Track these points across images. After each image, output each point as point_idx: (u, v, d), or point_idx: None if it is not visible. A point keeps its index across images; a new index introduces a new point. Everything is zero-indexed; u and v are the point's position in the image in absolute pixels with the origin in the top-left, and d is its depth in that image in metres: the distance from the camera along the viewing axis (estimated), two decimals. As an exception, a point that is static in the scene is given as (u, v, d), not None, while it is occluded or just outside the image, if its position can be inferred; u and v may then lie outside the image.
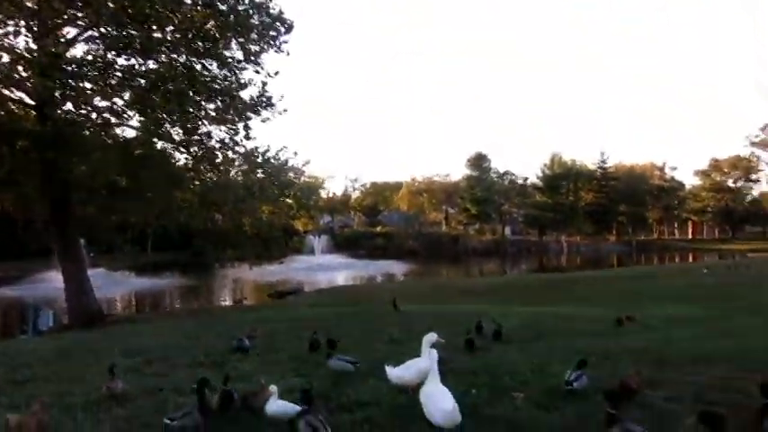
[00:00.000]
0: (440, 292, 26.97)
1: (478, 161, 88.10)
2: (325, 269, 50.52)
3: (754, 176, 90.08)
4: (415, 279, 44.46)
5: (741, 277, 26.41)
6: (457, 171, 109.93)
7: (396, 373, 6.95)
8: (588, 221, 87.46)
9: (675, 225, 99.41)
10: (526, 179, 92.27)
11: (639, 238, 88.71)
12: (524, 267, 60.60)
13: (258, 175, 20.85)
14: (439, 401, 5.78)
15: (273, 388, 5.78)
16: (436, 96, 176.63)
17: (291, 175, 22.93)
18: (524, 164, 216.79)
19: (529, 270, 55.44)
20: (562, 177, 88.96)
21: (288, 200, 24.75)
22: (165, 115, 17.82)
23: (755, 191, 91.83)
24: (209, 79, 18.35)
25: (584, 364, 7.29)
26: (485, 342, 10.18)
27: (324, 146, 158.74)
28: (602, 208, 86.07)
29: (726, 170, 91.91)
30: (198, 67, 18.16)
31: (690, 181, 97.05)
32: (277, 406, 5.66)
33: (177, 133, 19.09)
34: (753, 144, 78.53)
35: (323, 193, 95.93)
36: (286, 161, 21.45)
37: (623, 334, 10.82)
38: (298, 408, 5.43)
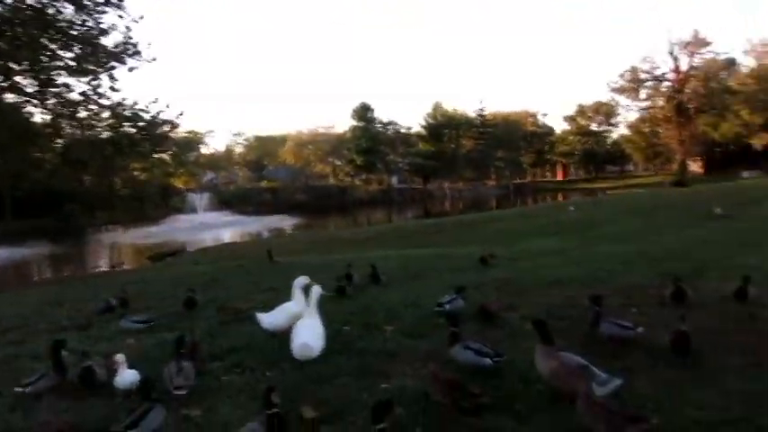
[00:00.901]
0: (327, 243, 27.11)
1: (363, 112, 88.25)
2: (209, 228, 48.88)
3: (613, 120, 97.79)
4: (304, 232, 44.39)
5: (600, 212, 28.86)
6: (342, 123, 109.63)
7: (267, 319, 7.01)
8: (469, 167, 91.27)
9: (547, 168, 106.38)
10: (410, 128, 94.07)
11: (516, 181, 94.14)
12: (410, 214, 62.27)
13: (127, 130, 19.48)
14: (296, 336, 5.95)
15: (120, 357, 5.32)
16: (319, 48, 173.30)
17: (165, 128, 21.64)
18: (408, 114, 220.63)
19: (415, 216, 57.02)
20: (444, 126, 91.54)
21: (163, 156, 23.40)
22: (14, 65, 16.04)
23: (615, 134, 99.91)
24: (64, 24, 16.65)
25: (463, 290, 7.77)
26: (363, 285, 10.47)
27: (204, 99, 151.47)
28: (482, 154, 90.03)
29: (590, 115, 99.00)
30: (51, 10, 16.39)
31: (559, 126, 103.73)
32: (124, 377, 5.23)
33: (31, 85, 17.31)
34: (613, 90, 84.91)
35: (204, 149, 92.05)
36: (158, 114, 20.15)
37: (493, 267, 11.53)
38: (140, 376, 5.14)
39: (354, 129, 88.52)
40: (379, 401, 3.79)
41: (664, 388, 4.63)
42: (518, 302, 8.14)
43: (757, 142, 74.21)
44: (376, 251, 19.23)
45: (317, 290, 6.61)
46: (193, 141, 76.86)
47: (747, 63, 79.86)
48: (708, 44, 77.26)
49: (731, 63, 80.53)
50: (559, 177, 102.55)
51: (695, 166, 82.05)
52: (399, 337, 6.88)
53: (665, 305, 7.20)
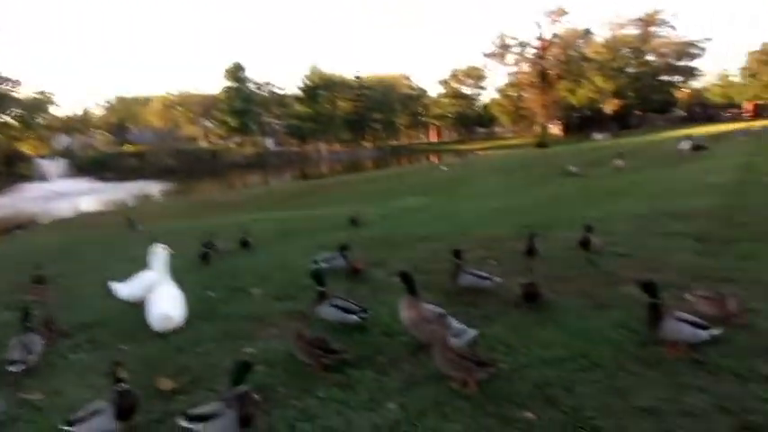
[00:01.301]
0: (198, 208, 26.07)
1: (236, 72, 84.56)
2: (64, 197, 45.01)
3: (483, 84, 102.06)
4: (174, 198, 42.23)
5: (469, 171, 30.23)
6: (213, 84, 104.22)
7: (124, 289, 6.61)
8: (346, 129, 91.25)
9: (422, 130, 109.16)
10: (284, 89, 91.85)
11: (392, 143, 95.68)
12: (287, 177, 61.39)
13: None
14: (153, 306, 5.65)
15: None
16: (187, 6, 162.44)
17: (3, 86, 19.27)
18: (284, 77, 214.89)
19: (292, 179, 56.29)
20: (321, 88, 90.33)
21: (5, 118, 20.96)
22: None
23: (485, 97, 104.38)
24: None
25: (346, 248, 7.72)
26: (232, 250, 10.16)
27: (58, 58, 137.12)
28: (358, 116, 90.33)
29: (461, 79, 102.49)
30: None
31: (434, 90, 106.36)
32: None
33: None
34: (486, 56, 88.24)
35: (58, 111, 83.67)
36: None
37: (364, 226, 11.65)
38: None
39: (227, 89, 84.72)
40: (237, 362, 3.68)
41: (515, 332, 4.93)
42: (386, 259, 8.30)
43: (608, 107, 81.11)
44: (249, 215, 18.74)
45: (163, 254, 6.33)
46: (43, 102, 69.39)
47: (602, 34, 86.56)
48: (566, 14, 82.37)
49: (587, 33, 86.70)
50: (433, 139, 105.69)
51: (555, 129, 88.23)
52: (268, 300, 6.75)
53: (521, 257, 7.66)
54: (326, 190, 28.83)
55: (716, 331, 4.27)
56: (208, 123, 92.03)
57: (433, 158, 69.29)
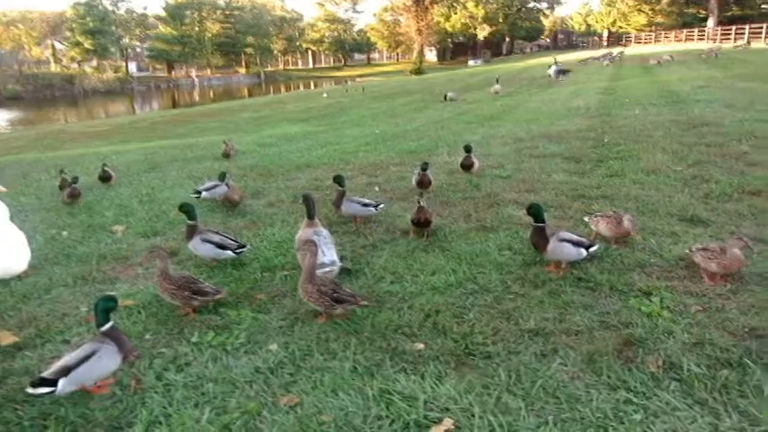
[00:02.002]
0: (53, 139, 23.37)
1: (85, -14, 75.27)
2: None
3: (359, 8, 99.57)
4: (23, 128, 37.71)
5: (349, 98, 29.59)
6: (60, 1, 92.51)
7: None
8: (218, 54, 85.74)
9: (298, 55, 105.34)
10: (145, 8, 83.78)
11: (267, 69, 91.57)
12: (156, 105, 57.03)
13: None
14: None
15: None
16: None
17: None
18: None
19: (161, 108, 52.35)
20: (186, 7, 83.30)
21: None
22: None
23: (361, 22, 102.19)
24: None
25: (224, 176, 7.08)
26: (93, 185, 9.08)
27: None
28: (231, 40, 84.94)
29: (337, 2, 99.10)
30: None
31: (309, 13, 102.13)
32: None
33: None
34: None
35: None
36: None
37: (241, 155, 10.91)
38: None
39: (75, 6, 75.43)
40: (100, 298, 3.24)
41: (402, 259, 4.76)
42: (264, 188, 7.80)
43: (481, 34, 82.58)
44: (112, 146, 17.07)
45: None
46: None
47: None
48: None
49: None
50: (310, 65, 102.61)
51: (432, 56, 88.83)
52: (132, 238, 6.07)
53: (405, 183, 7.50)
54: (198, 118, 27.01)
55: (595, 247, 4.34)
56: (58, 44, 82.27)
57: (312, 85, 67.44)
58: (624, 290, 3.91)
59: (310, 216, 4.70)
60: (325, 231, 4.63)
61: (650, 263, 4.34)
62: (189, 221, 5.01)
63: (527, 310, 3.72)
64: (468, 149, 7.53)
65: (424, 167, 6.79)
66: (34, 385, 2.96)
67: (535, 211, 4.32)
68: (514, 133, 11.14)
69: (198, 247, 4.90)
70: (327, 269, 4.19)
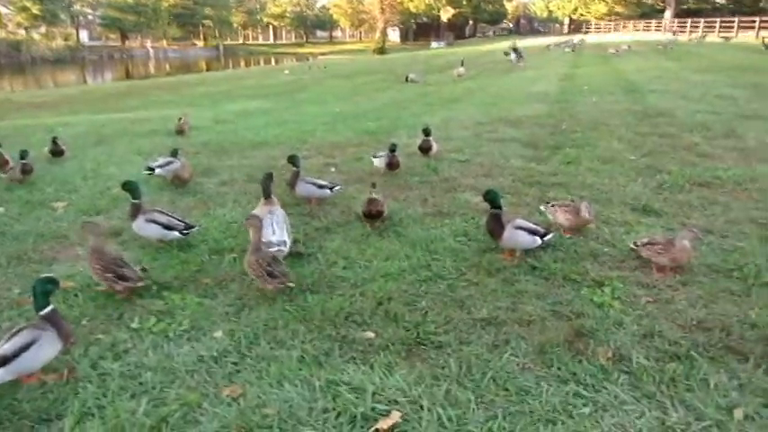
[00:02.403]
0: (1, 108, 22.25)
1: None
2: None
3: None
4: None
5: (310, 76, 29.09)
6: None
7: None
8: (174, 25, 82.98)
9: (259, 30, 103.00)
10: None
11: (226, 42, 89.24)
12: (109, 77, 54.94)
13: None
14: None
15: None
16: None
17: None
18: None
19: (115, 79, 50.45)
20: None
21: None
22: None
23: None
24: None
25: (176, 152, 6.88)
26: (38, 159, 8.62)
27: None
28: (188, 11, 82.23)
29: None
30: None
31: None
32: None
33: None
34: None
35: None
36: None
37: (192, 132, 10.54)
38: None
39: (21, -34, 71.57)
40: (38, 280, 3.05)
41: (356, 244, 4.65)
42: (217, 166, 7.55)
43: (444, 15, 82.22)
44: (58, 117, 16.32)
45: None
46: None
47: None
48: None
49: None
50: (271, 41, 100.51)
51: (395, 36, 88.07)
52: (73, 215, 5.77)
53: (361, 164, 7.37)
54: (151, 91, 26.11)
55: (550, 235, 4.33)
56: (3, 9, 78.13)
57: (273, 61, 66.14)
58: (577, 279, 3.90)
59: (267, 195, 4.65)
60: (280, 211, 4.56)
61: (603, 252, 4.35)
62: (133, 200, 4.78)
63: (480, 299, 3.67)
64: (426, 132, 7.42)
65: (393, 149, 6.62)
66: None
67: (491, 197, 4.26)
68: (474, 117, 11.10)
69: (142, 227, 4.68)
70: (275, 249, 4.11)
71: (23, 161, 6.93)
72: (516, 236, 4.16)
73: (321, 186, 5.61)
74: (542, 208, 5.00)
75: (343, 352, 3.15)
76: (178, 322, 3.51)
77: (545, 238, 4.25)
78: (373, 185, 4.98)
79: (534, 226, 4.28)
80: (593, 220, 4.58)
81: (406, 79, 21.42)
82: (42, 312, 2.99)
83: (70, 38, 75.78)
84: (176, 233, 4.63)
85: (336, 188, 5.68)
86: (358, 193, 6.01)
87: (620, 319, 3.37)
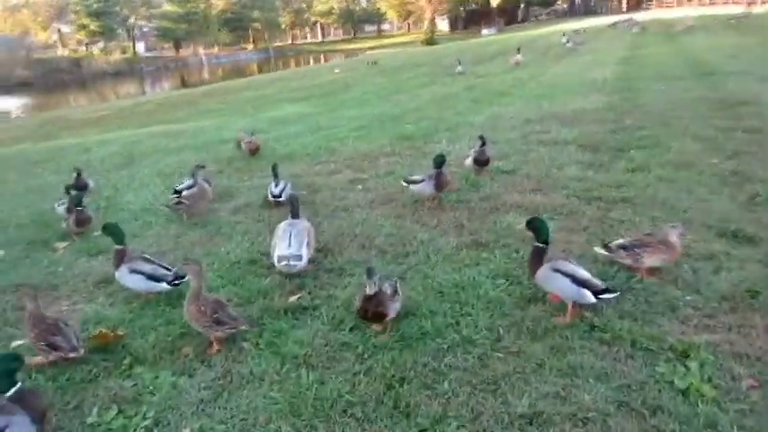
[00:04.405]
0: (51, 126, 22.70)
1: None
2: None
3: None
4: (32, 114, 37.16)
5: (356, 73, 28.39)
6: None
7: None
8: (225, 31, 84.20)
9: (307, 29, 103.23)
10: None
11: (276, 44, 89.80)
12: (166, 86, 56.22)
13: None
14: None
15: None
16: None
17: None
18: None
19: (171, 88, 51.53)
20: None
21: None
22: None
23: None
24: None
25: (201, 167, 6.22)
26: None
27: None
28: (237, 15, 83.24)
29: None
30: None
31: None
32: None
33: None
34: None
35: None
36: None
37: (221, 148, 9.99)
38: None
39: (78, -13, 74.16)
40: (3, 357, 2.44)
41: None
42: (235, 188, 6.92)
43: (494, 1, 79.89)
44: (103, 134, 16.29)
45: None
46: None
47: None
48: None
49: None
50: (319, 39, 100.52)
51: (443, 25, 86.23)
52: (72, 257, 5.26)
53: (400, 188, 6.56)
54: (201, 99, 26.10)
55: (612, 295, 3.26)
56: (64, 28, 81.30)
57: (322, 59, 65.99)
58: (651, 347, 2.96)
59: (295, 216, 4.44)
60: (304, 224, 4.37)
61: (685, 302, 3.38)
62: (116, 245, 4.16)
63: (520, 379, 2.80)
64: (483, 141, 6.21)
65: (440, 162, 5.29)
66: None
67: (536, 227, 3.43)
68: (524, 113, 10.06)
69: (125, 277, 4.05)
70: (284, 263, 4.06)
71: (79, 207, 5.69)
72: (552, 280, 3.27)
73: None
74: (603, 252, 3.86)
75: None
76: (142, 415, 2.84)
77: (602, 297, 3.22)
78: (369, 273, 3.21)
79: (585, 275, 3.27)
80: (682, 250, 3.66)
81: (453, 71, 20.36)
82: (8, 394, 2.59)
83: (127, 51, 78.15)
84: (164, 284, 3.97)
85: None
86: (384, 220, 5.20)
87: (713, 418, 2.44)
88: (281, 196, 5.92)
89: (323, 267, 4.30)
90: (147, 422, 2.78)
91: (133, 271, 4.02)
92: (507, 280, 3.79)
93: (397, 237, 4.74)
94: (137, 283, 4.02)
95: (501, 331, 3.23)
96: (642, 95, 10.74)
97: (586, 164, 6.44)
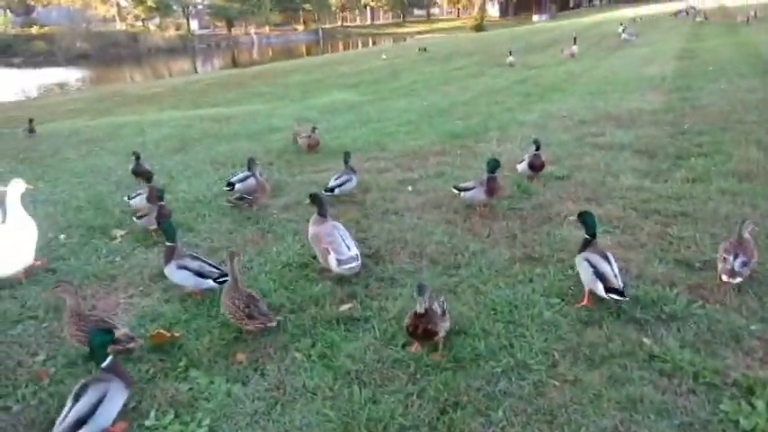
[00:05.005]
0: (109, 101, 23.32)
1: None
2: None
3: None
4: (87, 88, 38.28)
5: (405, 59, 28.18)
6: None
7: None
8: (276, 11, 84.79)
9: (357, 12, 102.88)
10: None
11: (325, 26, 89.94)
12: (217, 64, 57.12)
13: None
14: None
15: None
16: None
17: None
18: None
19: (222, 67, 52.29)
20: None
21: None
22: None
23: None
24: None
25: (253, 162, 6.27)
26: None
27: None
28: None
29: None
30: None
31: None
32: None
33: None
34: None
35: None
36: None
37: (273, 137, 10.09)
38: None
39: (139, -38, 75.76)
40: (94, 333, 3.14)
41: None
42: (286, 183, 6.99)
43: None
44: (158, 112, 16.67)
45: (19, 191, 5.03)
46: None
47: None
48: None
49: None
50: (368, 21, 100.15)
51: (494, 10, 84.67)
52: (129, 246, 5.40)
53: (449, 193, 6.49)
54: (250, 81, 26.35)
55: (624, 298, 3.46)
56: (122, 2, 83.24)
57: (371, 42, 65.77)
58: (714, 381, 2.87)
59: (322, 214, 4.52)
60: (341, 226, 4.47)
61: (749, 332, 3.25)
62: (168, 242, 4.26)
63: (578, 412, 2.75)
64: (537, 145, 6.08)
65: (493, 167, 5.21)
66: None
67: (586, 221, 3.80)
68: (577, 112, 9.82)
69: (174, 273, 4.18)
70: (354, 264, 4.14)
71: (162, 202, 5.52)
72: (580, 266, 3.70)
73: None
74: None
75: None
76: (197, 422, 2.90)
77: (612, 296, 3.46)
78: (420, 290, 3.09)
79: (607, 270, 3.53)
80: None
81: (504, 62, 19.95)
82: (104, 365, 2.90)
83: (181, 27, 79.44)
84: (210, 282, 4.07)
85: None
86: (434, 226, 5.17)
87: (784, 468, 2.35)
88: (333, 190, 6.00)
89: (374, 275, 4.31)
90: (202, 430, 2.85)
91: (181, 267, 4.14)
92: (562, 300, 3.72)
93: (449, 246, 4.69)
94: (184, 279, 4.14)
95: (557, 356, 3.17)
96: (702, 95, 10.34)
97: (643, 172, 6.25)
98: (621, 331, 3.32)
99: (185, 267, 4.10)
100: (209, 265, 4.15)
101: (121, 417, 2.93)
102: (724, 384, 2.86)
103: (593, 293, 3.61)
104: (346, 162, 6.15)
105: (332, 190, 6.01)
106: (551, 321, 3.49)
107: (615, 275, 3.50)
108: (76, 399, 2.78)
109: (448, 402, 2.88)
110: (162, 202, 5.55)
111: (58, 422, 2.74)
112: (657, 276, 3.89)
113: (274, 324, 3.54)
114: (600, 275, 3.50)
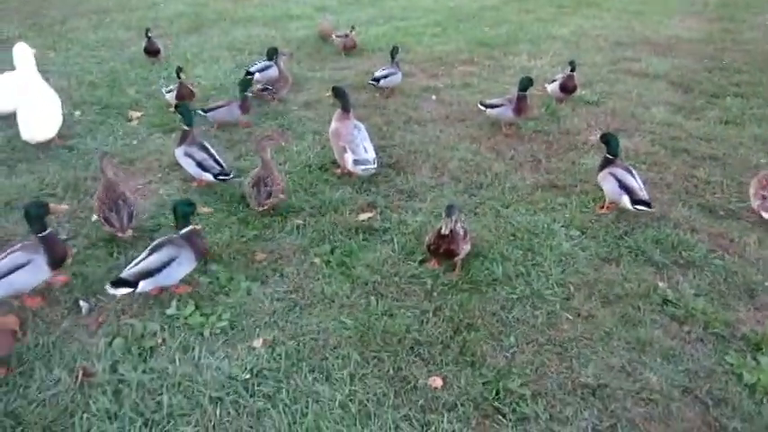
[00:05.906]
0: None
1: None
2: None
3: None
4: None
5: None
6: None
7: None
8: None
9: None
10: None
11: None
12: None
13: None
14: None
15: None
16: None
17: None
18: None
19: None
20: None
21: None
22: None
23: None
24: None
25: (275, 52, 6.12)
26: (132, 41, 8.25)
27: None
28: None
29: None
30: None
31: None
32: None
33: None
34: None
35: None
36: None
37: (292, 26, 9.65)
38: None
39: None
40: (178, 203, 2.56)
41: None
42: (306, 78, 6.78)
43: None
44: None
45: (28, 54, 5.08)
46: None
47: None
48: None
49: None
50: None
51: None
52: (145, 130, 5.35)
53: (474, 109, 6.30)
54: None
55: (649, 209, 3.72)
56: None
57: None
58: (723, 333, 2.92)
59: (346, 108, 4.40)
60: (363, 127, 4.41)
61: (764, 287, 3.28)
62: (184, 125, 4.21)
63: (587, 347, 2.82)
64: (573, 67, 5.83)
65: (525, 86, 4.98)
66: (115, 285, 2.89)
67: (609, 142, 3.95)
68: (613, 32, 9.37)
69: (180, 158, 4.23)
70: (371, 166, 4.15)
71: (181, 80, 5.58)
72: (605, 180, 3.85)
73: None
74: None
75: (399, 402, 2.50)
76: (218, 315, 2.98)
77: (639, 207, 3.68)
78: (449, 213, 3.05)
79: (633, 184, 3.74)
80: None
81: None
82: (182, 231, 3.09)
83: None
84: (209, 175, 4.07)
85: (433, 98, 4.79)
86: (458, 141, 5.07)
87: (779, 422, 2.44)
88: (378, 81, 6.00)
89: (395, 187, 4.28)
90: (223, 323, 2.93)
91: (186, 154, 4.12)
92: (583, 233, 3.72)
93: (472, 164, 4.63)
94: (186, 165, 4.18)
95: (572, 289, 3.21)
96: (745, 28, 9.86)
97: (677, 106, 6.05)
98: (639, 272, 3.35)
99: (191, 156, 4.10)
100: (214, 159, 4.10)
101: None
102: (732, 337, 2.91)
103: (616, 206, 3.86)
104: (393, 57, 6.14)
105: (377, 80, 6.01)
106: (569, 254, 3.51)
107: (640, 188, 3.72)
108: (151, 253, 2.99)
109: (462, 323, 2.94)
110: (181, 80, 5.56)
111: (128, 267, 2.97)
112: (680, 220, 3.87)
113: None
114: (626, 188, 3.70)
